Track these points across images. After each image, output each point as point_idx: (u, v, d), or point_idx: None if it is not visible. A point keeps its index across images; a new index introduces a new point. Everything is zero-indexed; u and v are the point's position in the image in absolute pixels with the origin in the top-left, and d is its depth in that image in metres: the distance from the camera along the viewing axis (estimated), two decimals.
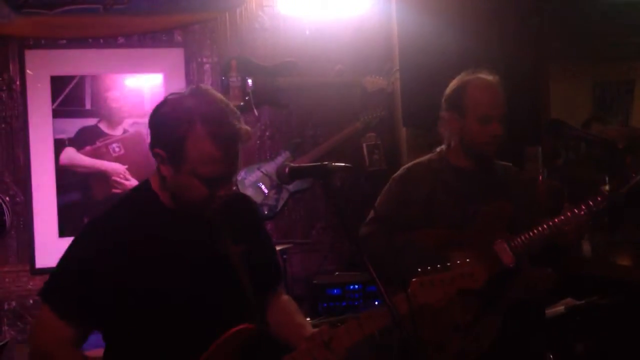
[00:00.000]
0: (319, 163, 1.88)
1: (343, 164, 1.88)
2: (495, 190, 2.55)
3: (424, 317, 2.00)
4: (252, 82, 3.96)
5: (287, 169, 1.93)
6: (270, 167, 4.00)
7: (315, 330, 1.86)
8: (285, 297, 2.05)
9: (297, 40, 4.04)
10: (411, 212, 2.54)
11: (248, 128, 1.78)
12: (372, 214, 2.62)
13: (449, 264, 1.93)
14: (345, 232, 2.20)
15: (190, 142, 1.69)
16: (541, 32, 3.86)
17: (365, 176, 2.93)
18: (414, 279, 1.90)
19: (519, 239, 2.46)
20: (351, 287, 3.64)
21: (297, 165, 2.00)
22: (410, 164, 2.70)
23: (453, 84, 2.59)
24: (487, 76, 2.56)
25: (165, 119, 1.75)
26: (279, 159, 4.02)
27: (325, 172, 1.85)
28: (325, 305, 3.60)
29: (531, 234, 2.44)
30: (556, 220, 2.44)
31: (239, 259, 1.84)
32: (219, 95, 1.80)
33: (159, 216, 1.80)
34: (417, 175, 2.60)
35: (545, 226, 2.44)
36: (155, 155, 1.77)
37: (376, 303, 3.56)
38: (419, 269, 1.92)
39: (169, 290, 1.76)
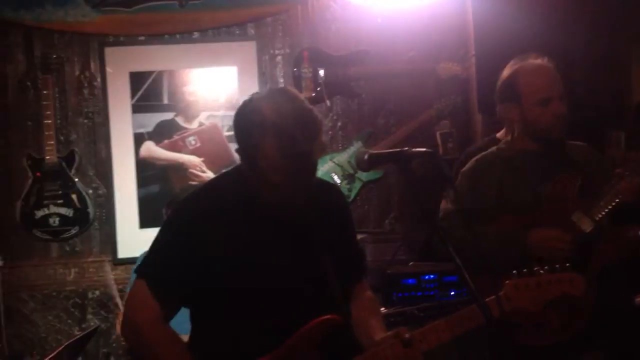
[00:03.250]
0: (399, 149, 1.86)
1: (423, 149, 1.85)
2: (566, 168, 2.49)
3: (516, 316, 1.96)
4: (324, 72, 3.97)
5: (366, 156, 1.92)
6: (342, 158, 4.00)
7: (388, 334, 1.82)
8: (369, 294, 2.02)
9: (369, 29, 4.02)
10: (484, 203, 2.51)
11: (322, 144, 1.77)
12: (445, 208, 2.60)
13: (547, 267, 1.89)
14: (425, 219, 2.16)
15: (261, 153, 1.70)
16: (622, 14, 3.71)
17: (446, 162, 2.89)
18: (507, 282, 1.87)
19: (595, 205, 2.39)
20: (426, 277, 3.58)
21: (376, 151, 1.98)
22: (478, 155, 2.66)
23: (503, 75, 2.56)
24: (535, 60, 2.50)
25: (240, 124, 1.77)
26: (351, 149, 4.02)
27: (405, 158, 1.83)
28: (400, 295, 3.56)
29: (607, 196, 2.37)
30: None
31: (324, 248, 1.84)
32: (297, 102, 1.75)
33: (248, 200, 1.80)
34: (486, 167, 2.57)
35: (618, 187, 2.37)
36: (236, 151, 1.80)
37: (452, 293, 3.51)
38: (514, 271, 1.88)
39: (255, 272, 1.77)
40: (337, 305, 1.83)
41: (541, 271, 1.89)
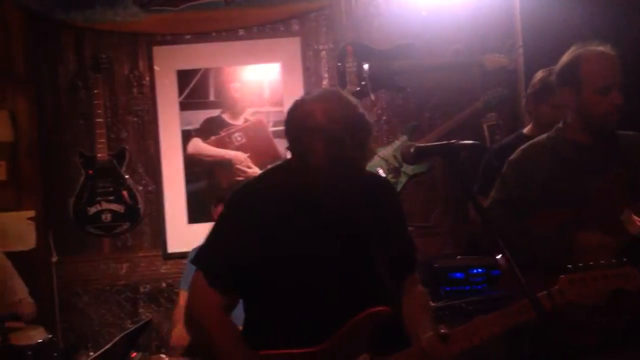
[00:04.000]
0: (446, 141, 1.84)
1: (471, 142, 1.83)
2: (617, 161, 2.43)
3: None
4: (368, 66, 3.96)
5: (412, 149, 1.91)
6: (387, 152, 3.99)
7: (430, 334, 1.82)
8: (420, 289, 2.01)
9: (414, 22, 4.00)
10: (530, 194, 2.46)
11: (372, 149, 1.77)
12: (490, 198, 2.56)
13: (602, 261, 1.85)
14: (477, 211, 2.13)
15: (310, 156, 1.72)
16: None
17: (495, 154, 2.85)
18: (562, 276, 1.84)
19: None
20: (474, 271, 3.57)
21: (422, 144, 1.97)
22: (525, 144, 2.61)
23: (564, 59, 2.50)
24: (597, 47, 2.44)
25: (291, 125, 1.79)
26: (396, 143, 4.01)
27: (452, 151, 1.81)
28: (448, 289, 3.55)
29: None
30: None
31: (375, 241, 1.85)
32: (349, 106, 1.76)
33: (299, 193, 1.81)
34: (533, 156, 2.52)
35: None
36: (287, 148, 1.82)
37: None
38: (569, 265, 1.86)
39: (306, 263, 1.80)
40: (388, 298, 1.84)
41: (597, 265, 1.86)
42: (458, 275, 3.57)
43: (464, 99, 3.98)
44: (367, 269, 1.83)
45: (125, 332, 2.03)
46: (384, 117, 4.10)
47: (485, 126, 3.89)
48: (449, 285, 3.55)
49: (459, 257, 3.78)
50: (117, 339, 1.91)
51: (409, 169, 3.94)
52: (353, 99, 1.79)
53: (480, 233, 2.89)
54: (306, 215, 1.81)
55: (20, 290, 3.44)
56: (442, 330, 1.78)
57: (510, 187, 2.50)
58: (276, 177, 1.90)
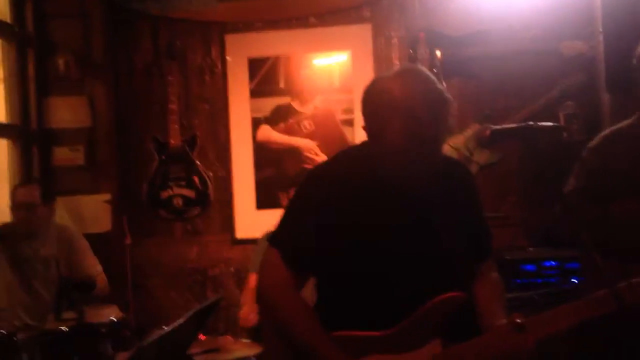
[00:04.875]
0: (524, 123, 1.78)
1: (551, 124, 1.77)
2: None
3: None
4: (441, 53, 3.89)
5: (488, 131, 1.86)
6: (459, 140, 3.91)
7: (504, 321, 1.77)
8: (495, 276, 1.96)
9: (488, 7, 3.90)
10: (611, 182, 2.36)
11: (450, 127, 1.72)
12: (568, 186, 2.48)
13: None
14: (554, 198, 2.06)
15: (386, 133, 1.69)
16: None
17: (574, 139, 2.76)
18: None
19: None
20: (547, 263, 3.46)
21: (499, 126, 1.91)
22: (607, 131, 2.51)
23: None
24: None
25: (367, 102, 1.75)
26: (469, 132, 3.92)
27: (531, 133, 1.76)
28: (519, 281, 3.46)
29: None
30: None
31: (450, 225, 1.81)
32: (428, 83, 1.70)
33: (373, 173, 1.79)
34: (616, 143, 2.42)
35: None
36: (363, 127, 1.80)
37: (574, 281, 3.37)
38: None
39: (380, 244, 1.76)
40: (463, 283, 1.80)
41: None
42: (530, 267, 3.47)
43: (540, 87, 3.85)
44: (443, 253, 1.80)
45: (197, 308, 2.04)
46: (456, 105, 4.02)
47: (562, 115, 3.75)
48: (521, 277, 3.46)
49: (530, 249, 3.68)
50: (189, 314, 1.92)
51: (481, 158, 3.85)
52: (432, 75, 1.74)
53: (557, 222, 2.80)
54: (382, 196, 1.78)
55: (96, 266, 3.56)
56: (518, 320, 1.72)
57: (591, 174, 2.42)
58: (352, 157, 1.88)
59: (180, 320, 1.85)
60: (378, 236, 1.77)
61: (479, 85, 3.99)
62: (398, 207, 1.78)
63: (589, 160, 2.47)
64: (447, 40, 3.90)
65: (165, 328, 1.80)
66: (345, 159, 1.90)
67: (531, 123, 1.79)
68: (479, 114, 3.96)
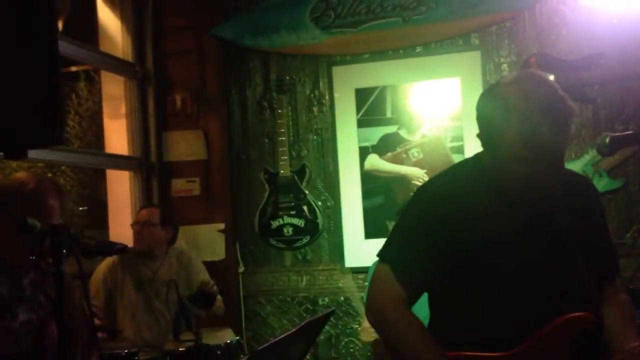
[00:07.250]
0: None
1: None
2: None
3: None
4: (554, 78, 3.78)
5: (607, 139, 1.78)
6: (576, 166, 3.76)
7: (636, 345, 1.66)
8: (623, 297, 1.84)
9: (603, 30, 3.78)
10: None
11: (570, 136, 1.65)
12: None
13: None
14: None
15: (502, 140, 1.63)
16: None
17: None
18: None
19: None
20: None
21: (619, 133, 1.82)
22: None
23: None
24: None
25: (482, 108, 1.71)
26: (586, 158, 3.77)
27: None
28: None
29: None
30: None
31: (575, 242, 1.73)
32: (548, 88, 1.65)
33: (488, 187, 1.73)
34: None
35: None
36: (477, 136, 1.76)
37: None
38: None
39: (499, 261, 1.69)
40: (590, 303, 1.71)
41: None
42: None
43: None
44: (569, 271, 1.71)
45: (309, 319, 2.04)
46: (573, 130, 3.87)
47: None
48: None
49: None
50: (301, 324, 1.92)
51: (601, 184, 3.69)
52: (553, 81, 1.68)
53: None
54: (496, 211, 1.71)
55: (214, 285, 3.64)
56: None
57: None
58: (465, 171, 1.82)
59: (293, 329, 1.85)
60: (500, 253, 1.69)
61: (596, 110, 3.85)
62: (520, 221, 1.71)
63: None
64: (560, 64, 3.79)
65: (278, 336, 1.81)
66: (457, 173, 1.84)
67: None
68: (597, 139, 3.80)
